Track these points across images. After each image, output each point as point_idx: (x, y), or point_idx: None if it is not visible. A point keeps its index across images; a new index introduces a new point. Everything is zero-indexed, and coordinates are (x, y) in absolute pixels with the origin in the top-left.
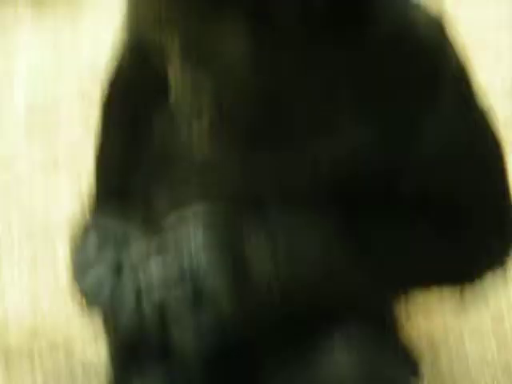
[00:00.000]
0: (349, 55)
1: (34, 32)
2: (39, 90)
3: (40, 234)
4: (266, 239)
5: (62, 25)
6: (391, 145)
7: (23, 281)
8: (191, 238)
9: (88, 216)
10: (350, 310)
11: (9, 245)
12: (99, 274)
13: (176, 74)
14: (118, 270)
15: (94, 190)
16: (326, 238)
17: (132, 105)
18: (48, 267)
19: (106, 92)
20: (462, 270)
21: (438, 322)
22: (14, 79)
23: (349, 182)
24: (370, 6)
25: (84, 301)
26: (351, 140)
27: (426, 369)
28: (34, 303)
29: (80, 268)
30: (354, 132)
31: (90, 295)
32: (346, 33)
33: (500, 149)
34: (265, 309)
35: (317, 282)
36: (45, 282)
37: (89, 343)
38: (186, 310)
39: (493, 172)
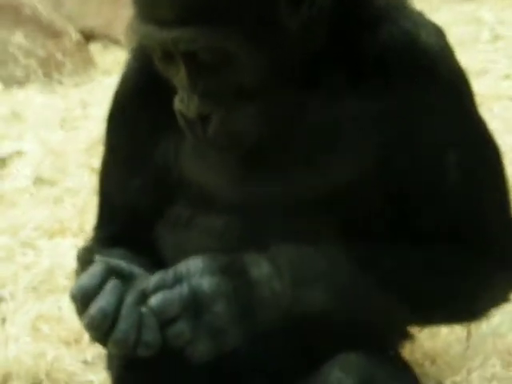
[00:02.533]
0: (352, 84)
1: (43, 111)
2: (47, 164)
3: (44, 290)
4: (268, 264)
5: (71, 102)
6: (395, 168)
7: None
8: (191, 269)
9: (91, 249)
10: (354, 332)
11: (15, 299)
12: (103, 305)
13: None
14: (120, 302)
15: (97, 222)
16: (334, 263)
17: (135, 120)
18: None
19: (113, 104)
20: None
21: (440, 342)
22: (22, 155)
23: (352, 209)
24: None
25: (87, 328)
26: (351, 167)
27: None
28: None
29: (84, 297)
30: (355, 159)
31: (93, 324)
32: (348, 64)
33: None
34: (270, 331)
35: (325, 303)
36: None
37: None
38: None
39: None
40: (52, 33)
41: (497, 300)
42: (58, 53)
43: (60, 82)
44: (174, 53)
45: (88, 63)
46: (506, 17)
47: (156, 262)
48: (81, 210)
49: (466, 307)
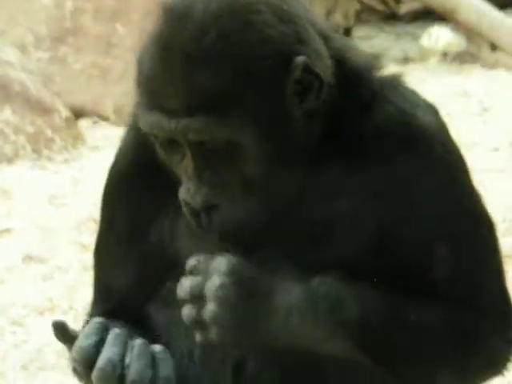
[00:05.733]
0: (349, 166)
1: (33, 187)
2: (36, 241)
3: (34, 369)
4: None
5: (61, 178)
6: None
7: None
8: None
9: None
10: None
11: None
12: (109, 355)
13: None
14: (125, 350)
15: (92, 298)
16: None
17: (135, 191)
18: None
19: (110, 177)
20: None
21: None
22: (11, 232)
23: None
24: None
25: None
26: (352, 243)
27: None
28: None
29: (86, 357)
30: (355, 237)
31: (104, 377)
32: (346, 146)
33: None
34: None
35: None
36: None
37: None
38: None
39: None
40: (41, 109)
41: (489, 369)
42: (48, 129)
43: (49, 159)
44: (180, 142)
45: (77, 139)
46: (494, 89)
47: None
48: (70, 287)
49: (459, 371)
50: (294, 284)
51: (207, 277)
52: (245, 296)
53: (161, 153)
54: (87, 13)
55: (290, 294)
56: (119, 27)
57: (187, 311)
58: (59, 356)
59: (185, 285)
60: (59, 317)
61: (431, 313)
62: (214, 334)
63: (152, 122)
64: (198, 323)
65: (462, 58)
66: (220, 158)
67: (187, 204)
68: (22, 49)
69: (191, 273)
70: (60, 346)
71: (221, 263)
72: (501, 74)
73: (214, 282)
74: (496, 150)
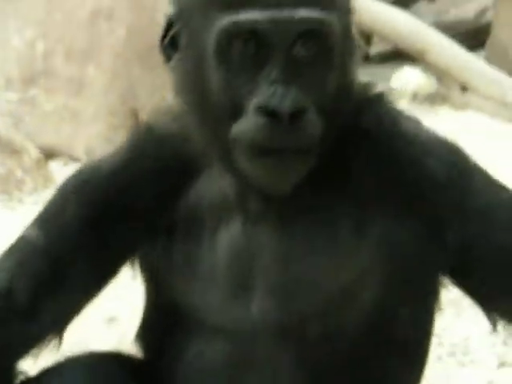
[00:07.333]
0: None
1: (3, 229)
2: None
3: None
4: None
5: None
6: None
7: None
8: None
9: None
10: None
11: None
12: None
13: None
14: None
15: None
16: None
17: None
18: None
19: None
20: None
21: None
22: None
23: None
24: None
25: None
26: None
27: None
28: None
29: None
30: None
31: None
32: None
33: None
34: None
35: None
36: None
37: None
38: None
39: None
40: (11, 150)
41: None
42: (18, 170)
43: (20, 200)
44: (273, 42)
45: (48, 181)
46: (464, 130)
47: None
48: None
49: None
50: None
51: None
52: None
53: (238, 60)
54: (58, 54)
55: None
56: (91, 69)
57: None
58: None
59: None
60: None
61: None
62: None
63: (260, 16)
64: None
65: (432, 99)
66: (309, 62)
67: (267, 109)
68: None
69: None
70: None
71: None
72: (471, 116)
73: None
74: None
